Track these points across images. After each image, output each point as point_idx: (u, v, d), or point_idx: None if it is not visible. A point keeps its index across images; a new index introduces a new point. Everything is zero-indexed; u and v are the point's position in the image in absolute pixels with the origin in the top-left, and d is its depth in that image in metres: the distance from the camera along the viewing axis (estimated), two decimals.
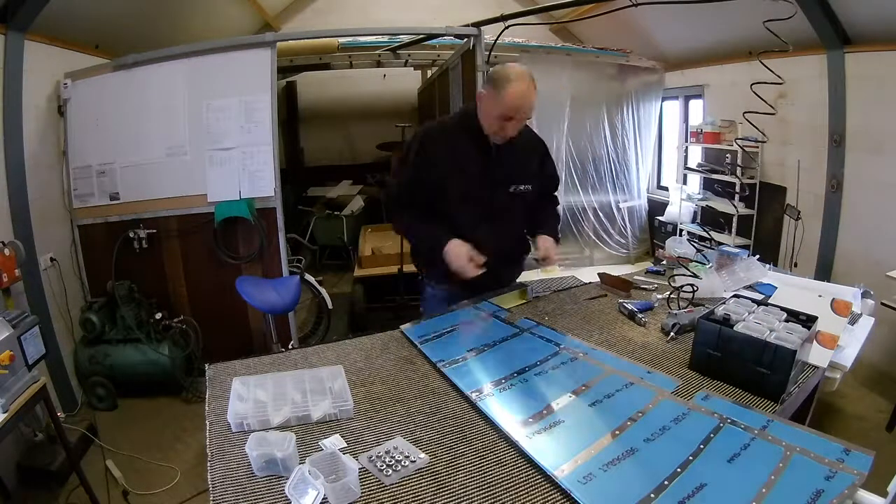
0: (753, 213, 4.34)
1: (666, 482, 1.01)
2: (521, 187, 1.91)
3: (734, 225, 4.47)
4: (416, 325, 1.75)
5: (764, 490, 0.99)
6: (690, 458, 1.08)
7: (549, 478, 1.05)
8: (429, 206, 1.87)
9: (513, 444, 1.16)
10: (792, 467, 1.05)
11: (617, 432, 1.17)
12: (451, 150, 1.84)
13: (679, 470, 1.04)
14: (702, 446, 1.11)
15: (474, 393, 1.35)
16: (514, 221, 1.98)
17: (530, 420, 1.23)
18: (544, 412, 1.25)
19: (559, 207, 2.26)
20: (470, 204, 1.86)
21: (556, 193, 2.25)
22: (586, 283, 2.22)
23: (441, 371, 1.47)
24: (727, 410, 1.24)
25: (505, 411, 1.27)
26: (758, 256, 2.27)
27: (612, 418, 1.22)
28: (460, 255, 1.75)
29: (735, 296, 1.70)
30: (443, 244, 1.78)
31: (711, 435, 1.15)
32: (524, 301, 2.00)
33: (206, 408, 1.32)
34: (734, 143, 4.06)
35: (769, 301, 1.66)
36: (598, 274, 2.19)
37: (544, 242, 1.95)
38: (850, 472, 1.03)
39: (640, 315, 1.81)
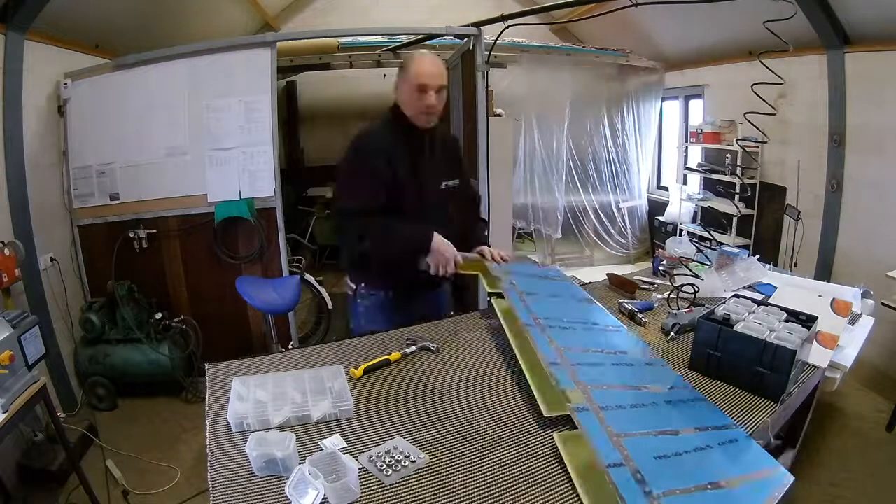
0: (753, 213, 4.34)
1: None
2: (450, 183, 1.94)
3: (734, 225, 4.47)
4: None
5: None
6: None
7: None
8: (390, 209, 1.79)
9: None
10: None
11: (648, 387, 1.34)
12: (392, 148, 1.82)
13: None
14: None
15: (539, 320, 1.55)
16: (449, 219, 1.95)
17: (572, 350, 1.43)
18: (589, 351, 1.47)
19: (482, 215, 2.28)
20: (409, 202, 1.83)
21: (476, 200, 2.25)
22: (586, 283, 2.23)
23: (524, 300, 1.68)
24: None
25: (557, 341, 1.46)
26: (758, 256, 2.28)
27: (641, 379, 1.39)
28: (447, 250, 1.74)
29: (735, 296, 1.70)
30: (430, 237, 1.74)
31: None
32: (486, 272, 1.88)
33: (206, 408, 1.32)
34: (734, 144, 4.06)
35: (769, 301, 1.67)
36: (607, 274, 2.22)
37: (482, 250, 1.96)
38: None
39: (640, 315, 1.81)
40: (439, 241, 1.75)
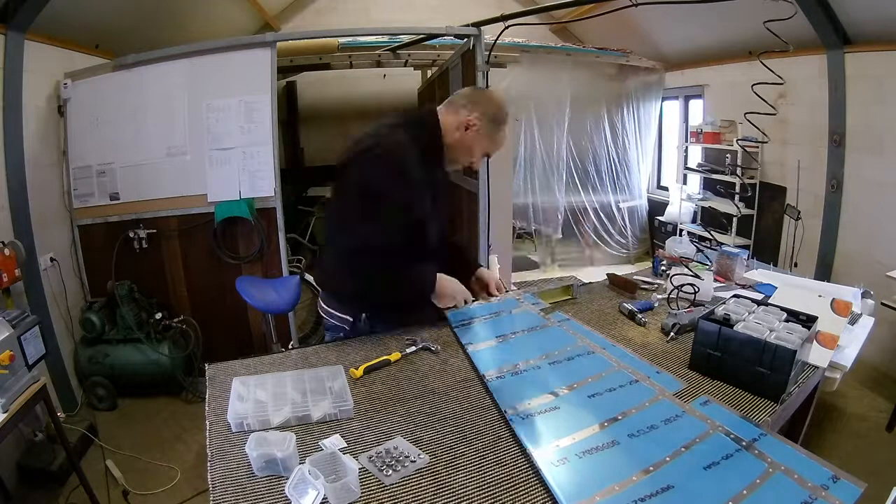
0: (753, 213, 4.35)
1: (634, 478, 1.02)
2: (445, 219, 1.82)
3: (734, 225, 4.48)
4: (457, 311, 1.80)
5: (730, 503, 0.96)
6: (667, 458, 1.08)
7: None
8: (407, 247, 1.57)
9: (507, 424, 1.22)
10: (770, 485, 1.00)
11: (605, 424, 1.19)
12: (419, 172, 1.53)
13: (651, 468, 1.05)
14: (683, 449, 1.10)
15: (489, 373, 1.42)
16: (443, 253, 1.80)
17: (529, 403, 1.28)
18: (544, 398, 1.31)
19: None
20: (422, 236, 1.63)
21: None
22: (586, 283, 2.23)
23: (466, 352, 1.56)
24: (722, 418, 1.21)
25: (509, 393, 1.33)
26: (754, 257, 2.28)
27: (605, 411, 1.25)
28: (457, 290, 1.69)
29: (735, 296, 1.70)
30: (433, 280, 1.63)
31: (696, 440, 1.14)
32: (567, 297, 2.03)
33: (206, 408, 1.32)
34: (734, 144, 4.07)
35: (769, 301, 1.66)
36: (607, 274, 2.22)
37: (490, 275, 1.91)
38: (832, 501, 0.96)
39: (640, 315, 1.81)
40: (444, 282, 1.65)
